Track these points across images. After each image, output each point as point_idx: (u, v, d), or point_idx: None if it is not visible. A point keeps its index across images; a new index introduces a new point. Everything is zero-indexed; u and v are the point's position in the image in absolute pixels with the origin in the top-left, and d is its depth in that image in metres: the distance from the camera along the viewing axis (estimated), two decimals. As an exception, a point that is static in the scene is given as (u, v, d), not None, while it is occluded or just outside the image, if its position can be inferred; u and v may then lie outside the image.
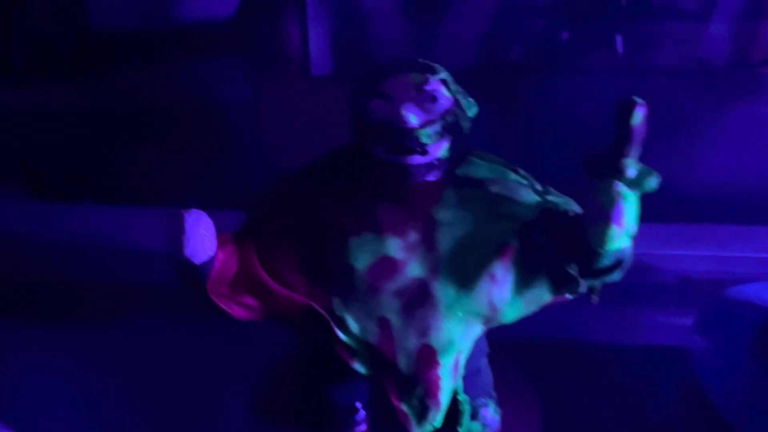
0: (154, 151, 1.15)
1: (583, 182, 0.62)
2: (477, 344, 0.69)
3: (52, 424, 0.87)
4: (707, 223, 1.07)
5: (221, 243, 0.66)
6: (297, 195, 0.70)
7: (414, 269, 0.65)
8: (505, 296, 0.66)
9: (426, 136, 0.64)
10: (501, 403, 0.75)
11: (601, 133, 1.00)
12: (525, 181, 0.69)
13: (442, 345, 0.65)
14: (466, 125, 0.67)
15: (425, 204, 0.67)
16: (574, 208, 0.67)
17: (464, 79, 0.69)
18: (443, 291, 0.65)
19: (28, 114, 1.17)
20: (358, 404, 0.73)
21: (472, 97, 0.69)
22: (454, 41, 1.08)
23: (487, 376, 0.75)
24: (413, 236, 0.66)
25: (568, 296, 0.66)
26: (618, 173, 0.59)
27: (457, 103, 0.66)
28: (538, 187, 0.69)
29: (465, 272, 0.65)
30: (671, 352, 0.96)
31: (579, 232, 0.62)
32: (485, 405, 0.73)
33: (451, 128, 0.65)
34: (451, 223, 0.66)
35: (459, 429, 0.69)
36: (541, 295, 0.66)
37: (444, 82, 0.66)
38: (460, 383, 0.69)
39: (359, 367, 0.67)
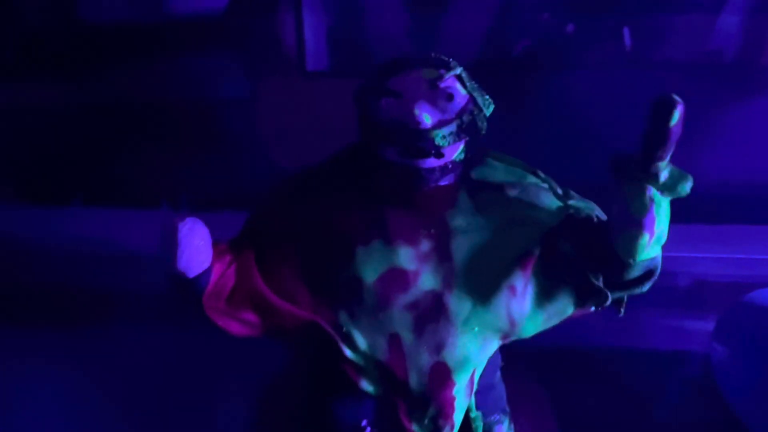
0: (147, 150, 1.11)
1: (609, 186, 0.57)
2: (491, 358, 0.65)
3: None
4: (721, 224, 1.03)
5: (218, 254, 0.61)
6: (300, 200, 0.65)
7: (427, 281, 0.61)
8: (525, 309, 0.61)
9: (441, 137, 0.59)
10: (514, 416, 0.71)
11: (608, 128, 0.98)
12: (545, 184, 0.65)
13: (457, 362, 0.61)
14: (482, 125, 0.62)
15: (438, 210, 0.62)
16: (598, 213, 0.63)
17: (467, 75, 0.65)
18: (458, 304, 0.60)
19: (16, 112, 1.12)
20: (364, 422, 0.69)
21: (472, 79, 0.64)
22: (457, 35, 1.04)
23: (501, 390, 0.71)
24: (426, 245, 0.61)
25: (593, 309, 0.62)
26: (651, 177, 0.54)
27: (473, 100, 0.62)
28: (559, 191, 0.65)
29: (482, 284, 0.61)
30: (688, 357, 0.93)
31: (605, 240, 0.58)
32: (499, 422, 0.69)
33: (467, 129, 0.61)
34: (467, 231, 0.62)
35: None
36: (564, 308, 0.62)
37: (459, 78, 0.62)
38: (472, 399, 0.64)
39: (367, 385, 0.63)
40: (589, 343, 0.93)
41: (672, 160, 0.54)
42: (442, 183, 0.62)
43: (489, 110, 0.63)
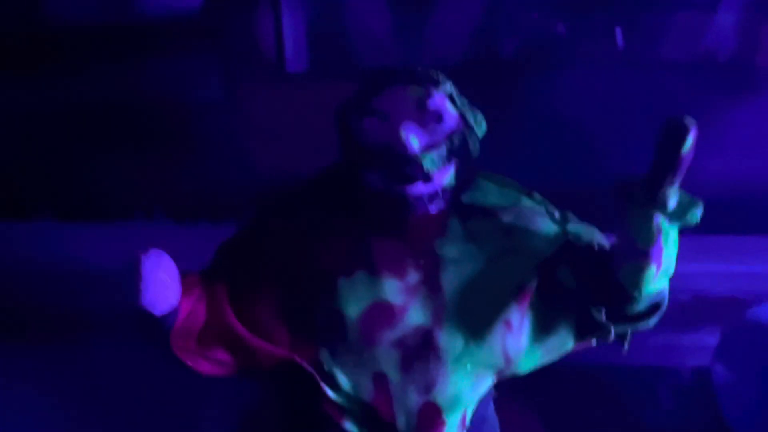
0: (118, 158, 1.06)
1: (612, 212, 0.53)
2: (484, 391, 0.60)
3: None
4: (717, 234, 0.99)
5: (186, 288, 0.56)
6: (276, 229, 0.60)
7: (414, 316, 0.56)
8: (521, 345, 0.57)
9: (429, 161, 0.55)
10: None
11: (600, 129, 0.95)
12: (541, 207, 0.60)
13: (448, 402, 0.57)
14: (474, 147, 0.58)
15: (427, 238, 0.58)
16: (599, 238, 0.59)
17: (453, 76, 0.61)
18: (449, 341, 0.56)
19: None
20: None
21: (462, 95, 0.60)
22: (442, 35, 1.00)
23: (494, 423, 0.67)
24: (413, 277, 0.57)
25: (594, 343, 0.58)
26: (659, 205, 0.49)
27: (464, 120, 0.57)
28: (556, 215, 0.60)
29: (474, 318, 0.56)
30: (687, 374, 0.91)
31: (608, 271, 0.54)
32: (492, 456, 0.65)
33: (457, 151, 0.56)
34: (458, 261, 0.57)
35: None
36: (564, 343, 0.58)
37: (449, 96, 0.57)
38: (465, 435, 0.60)
39: (351, 426, 0.58)
40: (585, 361, 0.89)
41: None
42: (431, 209, 0.58)
43: (482, 130, 0.58)
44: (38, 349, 0.96)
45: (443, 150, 0.55)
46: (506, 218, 0.59)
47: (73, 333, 0.96)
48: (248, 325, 0.57)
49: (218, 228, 0.65)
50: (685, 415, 0.87)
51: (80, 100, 1.05)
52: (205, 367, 0.57)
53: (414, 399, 0.56)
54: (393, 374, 0.56)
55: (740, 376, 0.82)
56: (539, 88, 0.98)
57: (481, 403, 0.61)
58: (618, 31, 1.01)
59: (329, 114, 0.61)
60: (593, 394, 0.87)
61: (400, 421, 0.56)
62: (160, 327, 0.54)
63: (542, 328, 0.57)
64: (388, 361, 0.56)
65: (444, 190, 0.57)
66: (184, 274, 0.56)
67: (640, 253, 0.51)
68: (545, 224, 0.59)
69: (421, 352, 0.56)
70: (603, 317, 0.55)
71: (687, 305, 0.93)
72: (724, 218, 0.94)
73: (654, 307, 0.54)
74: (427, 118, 0.56)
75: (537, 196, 0.61)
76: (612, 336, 0.56)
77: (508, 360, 0.57)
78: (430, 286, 0.57)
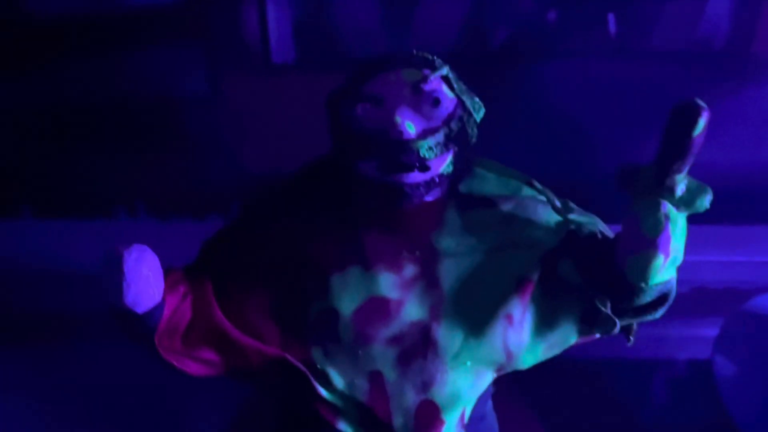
0: (100, 154, 1.04)
1: (620, 200, 0.51)
2: (483, 389, 0.59)
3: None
4: (715, 224, 0.98)
5: (170, 284, 0.54)
6: (265, 223, 0.58)
7: (411, 311, 0.54)
8: (523, 340, 0.55)
9: (426, 148, 0.52)
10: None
11: (593, 120, 0.93)
12: (542, 197, 0.58)
13: (447, 400, 0.55)
14: (472, 132, 0.55)
15: (423, 230, 0.56)
16: (602, 228, 0.57)
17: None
18: (448, 337, 0.54)
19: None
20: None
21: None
22: (432, 24, 0.98)
23: (492, 421, 0.65)
24: (410, 270, 0.55)
25: (597, 336, 0.56)
26: (667, 192, 0.48)
27: (462, 104, 0.55)
28: (558, 203, 0.58)
29: (474, 313, 0.54)
30: (688, 366, 0.90)
31: (613, 261, 0.52)
32: (491, 455, 0.63)
33: (456, 137, 0.54)
34: (456, 253, 0.55)
35: None
36: (567, 337, 0.56)
37: (446, 79, 0.55)
38: (463, 433, 0.58)
39: (345, 427, 0.56)
40: (584, 355, 0.88)
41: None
42: (428, 199, 0.56)
43: (480, 115, 0.56)
44: (17, 349, 0.94)
45: (440, 136, 0.53)
46: (506, 208, 0.57)
47: (53, 332, 0.94)
48: (236, 323, 0.55)
49: (203, 225, 0.62)
50: (686, 407, 0.86)
51: (60, 95, 1.03)
52: (192, 367, 0.55)
53: (411, 398, 0.54)
54: (389, 372, 0.54)
55: (742, 367, 0.81)
56: (530, 77, 0.97)
57: (480, 401, 0.59)
58: (611, 18, 0.99)
59: (316, 106, 0.59)
60: (592, 389, 0.86)
61: (397, 421, 0.54)
62: (143, 325, 0.52)
63: (545, 322, 0.55)
64: (384, 358, 0.54)
65: (441, 179, 0.55)
66: (167, 271, 0.54)
67: (647, 242, 0.49)
68: (547, 214, 0.57)
69: (418, 348, 0.54)
70: (608, 310, 0.53)
71: (687, 297, 0.92)
72: (722, 208, 0.94)
73: (662, 299, 0.52)
74: (423, 102, 0.54)
75: (537, 184, 0.59)
76: (617, 329, 0.54)
77: (509, 355, 0.55)
78: (427, 279, 0.55)
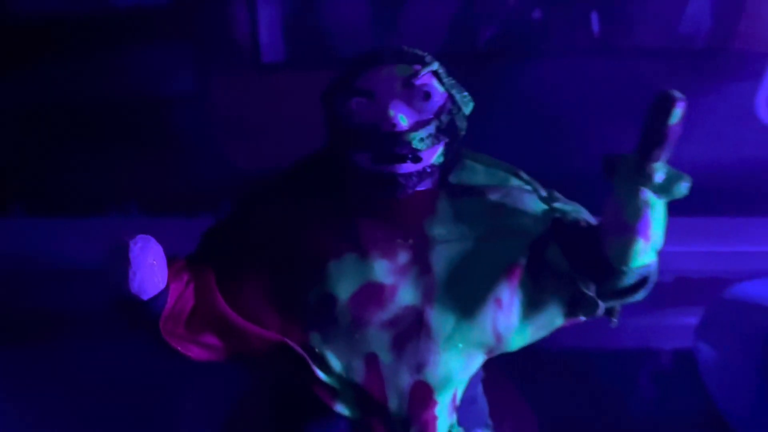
0: (91, 153, 1.04)
1: (602, 191, 0.53)
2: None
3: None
4: (696, 216, 1.00)
5: (174, 273, 0.55)
6: (264, 213, 0.60)
7: (405, 296, 0.56)
8: (512, 323, 0.57)
9: (418, 140, 0.54)
10: (497, 427, 0.67)
11: (578, 116, 0.95)
12: (528, 187, 0.60)
13: (439, 381, 0.56)
14: (462, 125, 0.57)
15: (416, 218, 0.57)
16: (586, 216, 0.59)
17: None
18: (440, 320, 0.56)
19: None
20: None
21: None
22: (420, 23, 0.99)
23: (483, 404, 0.67)
24: (403, 257, 0.56)
25: (583, 319, 0.58)
26: (646, 179, 0.49)
27: (451, 99, 0.57)
28: (543, 193, 0.60)
29: (465, 297, 0.56)
30: (671, 355, 0.92)
31: (596, 247, 0.53)
32: (482, 436, 0.65)
33: (446, 129, 0.56)
34: (447, 240, 0.57)
35: None
36: (553, 320, 0.58)
37: (436, 74, 0.57)
38: (454, 415, 0.60)
39: (342, 408, 0.58)
40: (569, 345, 0.90)
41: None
42: (420, 189, 0.57)
43: (468, 108, 0.58)
44: (10, 346, 0.94)
45: (431, 128, 0.55)
46: (494, 197, 0.59)
47: (46, 330, 0.94)
48: (237, 310, 0.56)
49: (194, 222, 0.63)
50: (671, 395, 0.87)
51: (51, 94, 1.03)
52: (194, 352, 0.56)
53: (405, 379, 0.56)
54: (384, 355, 0.56)
55: (723, 353, 0.83)
56: (516, 75, 0.98)
57: (471, 384, 0.61)
58: (594, 17, 1.01)
59: (306, 105, 0.61)
60: (580, 377, 0.88)
61: (392, 402, 0.56)
62: (148, 312, 0.53)
63: (532, 306, 0.57)
64: (379, 341, 0.56)
65: (433, 169, 0.57)
66: (171, 260, 0.55)
67: (628, 227, 0.51)
68: (533, 203, 0.59)
69: (412, 332, 0.56)
70: (592, 293, 0.55)
71: (668, 286, 0.94)
72: (704, 201, 0.96)
73: (642, 281, 0.54)
74: (415, 96, 0.55)
75: (524, 175, 0.61)
76: (601, 311, 0.56)
77: (498, 338, 0.57)
78: (420, 265, 0.56)
